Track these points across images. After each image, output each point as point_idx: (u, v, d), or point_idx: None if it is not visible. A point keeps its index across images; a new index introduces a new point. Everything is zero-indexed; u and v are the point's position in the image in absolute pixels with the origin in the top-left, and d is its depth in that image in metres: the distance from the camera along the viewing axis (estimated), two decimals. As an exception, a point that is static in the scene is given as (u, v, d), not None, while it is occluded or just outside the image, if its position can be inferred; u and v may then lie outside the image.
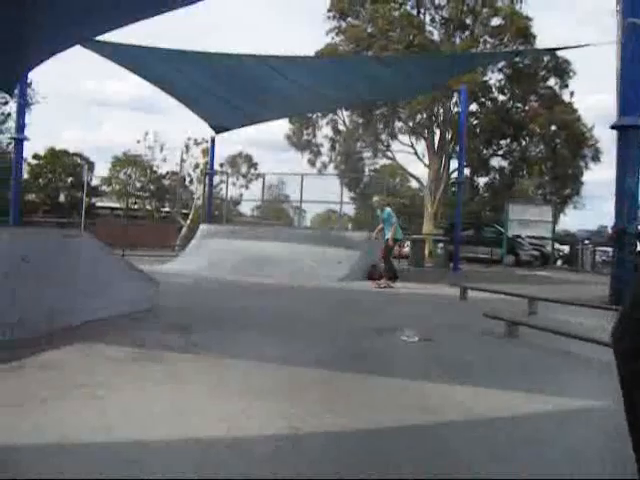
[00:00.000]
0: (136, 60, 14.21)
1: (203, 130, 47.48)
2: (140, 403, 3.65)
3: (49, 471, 2.66)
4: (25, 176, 38.75)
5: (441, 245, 24.58)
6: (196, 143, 47.27)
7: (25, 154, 22.03)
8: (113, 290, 6.61)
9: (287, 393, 4.11)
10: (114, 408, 3.51)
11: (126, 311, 6.67)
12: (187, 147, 48.13)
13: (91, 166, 46.24)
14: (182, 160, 48.24)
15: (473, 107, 34.92)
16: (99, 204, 50.28)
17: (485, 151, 37.64)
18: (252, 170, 53.29)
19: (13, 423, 3.19)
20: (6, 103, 42.96)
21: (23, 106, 18.41)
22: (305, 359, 5.12)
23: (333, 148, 41.05)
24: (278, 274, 13.72)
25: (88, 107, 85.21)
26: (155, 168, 49.52)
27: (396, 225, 13.62)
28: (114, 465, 2.76)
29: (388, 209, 14.00)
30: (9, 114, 43.16)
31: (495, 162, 38.94)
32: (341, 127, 40.48)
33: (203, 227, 18.16)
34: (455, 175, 29.93)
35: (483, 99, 35.56)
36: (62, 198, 47.58)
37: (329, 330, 6.90)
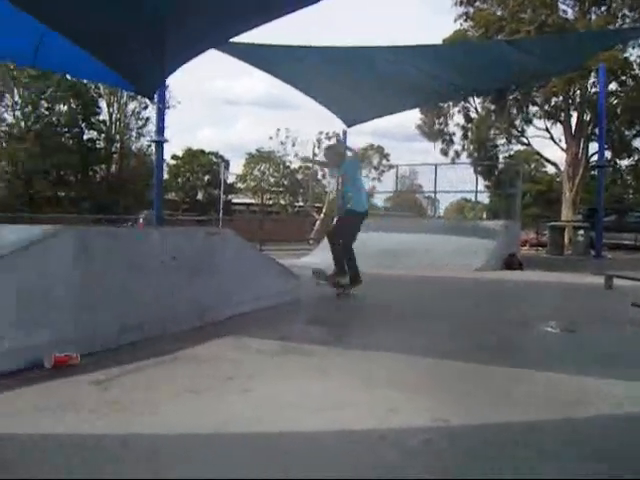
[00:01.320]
0: (266, 58, 14.48)
1: (334, 124, 47.97)
2: (289, 395, 3.73)
3: (209, 458, 2.78)
4: (165, 176, 40.39)
5: (581, 232, 23.68)
6: (327, 137, 47.79)
7: (165, 155, 22.90)
8: (256, 284, 6.80)
9: (433, 386, 4.11)
10: (265, 400, 3.62)
11: (269, 305, 6.85)
12: (319, 141, 48.73)
13: (226, 164, 47.62)
14: (314, 154, 48.86)
15: (612, 86, 33.28)
16: (235, 200, 51.76)
17: (627, 132, 35.92)
18: (384, 161, 53.22)
19: (171, 413, 3.35)
20: (146, 108, 45.01)
21: (162, 110, 19.09)
22: (448, 351, 5.09)
23: (465, 136, 40.39)
24: (414, 265, 13.68)
25: (219, 106, 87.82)
26: (288, 163, 50.46)
27: (359, 187, 9.29)
28: (269, 455, 2.85)
29: (351, 160, 9.78)
30: (148, 118, 45.21)
31: (639, 143, 37.13)
32: (473, 114, 39.79)
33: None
34: (595, 158, 28.78)
35: (624, 77, 33.88)
36: (200, 196, 49.30)
37: (469, 321, 6.82)
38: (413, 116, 49.39)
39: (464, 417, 3.38)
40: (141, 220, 33.34)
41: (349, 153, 10.12)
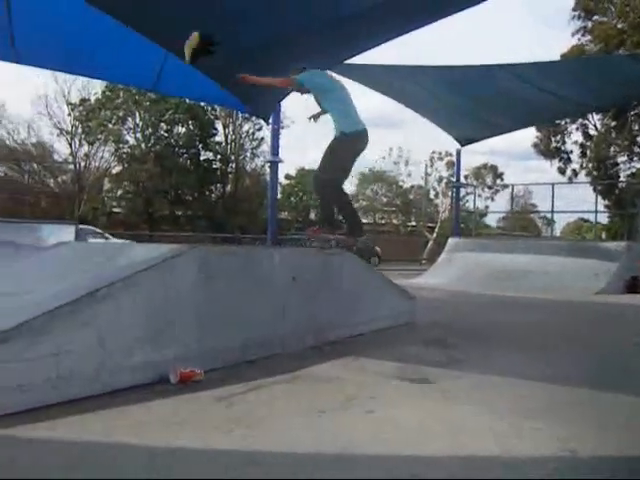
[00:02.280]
0: (379, 78, 14.55)
1: (448, 143, 47.59)
2: (410, 418, 3.71)
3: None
4: (278, 196, 41.08)
5: None
6: (440, 156, 47.47)
7: (278, 175, 23.26)
8: (372, 305, 6.81)
9: (557, 413, 3.97)
10: (386, 422, 3.60)
11: (385, 326, 6.85)
12: (431, 160, 48.45)
13: (339, 184, 47.88)
14: (427, 174, 48.62)
15: None
16: (347, 220, 51.93)
17: None
18: (498, 181, 52.35)
19: (295, 431, 3.39)
20: (260, 129, 45.94)
21: (277, 131, 19.44)
22: (570, 377, 4.93)
23: (584, 154, 39.21)
24: (529, 287, 13.34)
25: (329, 127, 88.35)
26: (400, 183, 50.34)
27: (340, 100, 6.93)
28: (394, 478, 2.84)
29: (310, 71, 7.12)
30: (262, 138, 46.12)
31: None
32: (592, 132, 38.62)
33: (451, 241, 18.12)
34: None
35: None
36: (313, 215, 49.76)
37: (592, 346, 6.59)
38: (529, 134, 48.38)
39: (592, 447, 3.26)
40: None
41: None
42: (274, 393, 4.21)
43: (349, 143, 6.71)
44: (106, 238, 26.27)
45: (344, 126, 6.67)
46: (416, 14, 8.51)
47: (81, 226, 30.93)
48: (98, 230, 28.89)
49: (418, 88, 14.74)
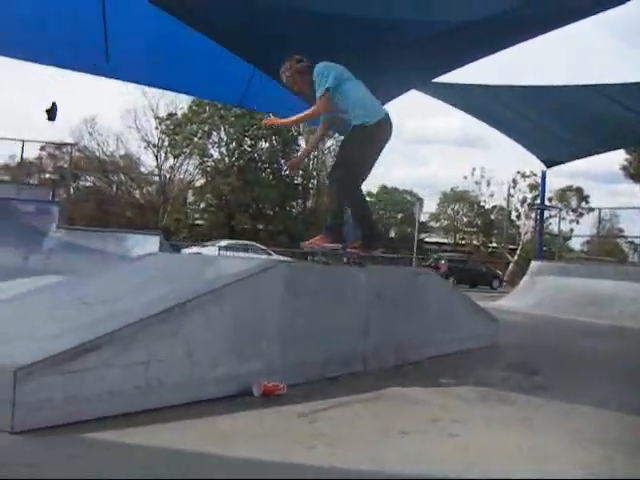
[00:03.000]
0: (463, 97, 14.44)
1: (532, 163, 46.76)
2: (494, 444, 3.64)
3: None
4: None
5: None
6: (524, 177, 46.74)
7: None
8: (456, 326, 6.73)
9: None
10: (471, 446, 3.54)
11: (468, 347, 6.75)
12: (514, 181, 47.74)
13: (421, 202, 47.77)
14: (509, 194, 47.91)
15: None
16: (428, 239, 51.64)
17: None
18: (583, 203, 51.14)
19: (378, 451, 3.37)
20: (342, 145, 46.16)
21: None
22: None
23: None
24: (616, 314, 12.92)
25: (413, 145, 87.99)
26: (482, 203, 49.75)
27: (357, 90, 5.95)
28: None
29: (321, 66, 5.92)
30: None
31: None
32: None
33: (534, 264, 17.74)
34: None
35: None
36: (392, 233, 49.65)
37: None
38: (616, 156, 47.17)
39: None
40: (442, 262, 33.86)
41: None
42: (356, 411, 4.20)
43: (364, 136, 5.77)
44: (269, 254, 26.79)
45: (357, 118, 5.78)
46: (510, 32, 8.44)
47: (231, 241, 31.60)
48: (261, 246, 29.38)
49: (503, 107, 14.57)
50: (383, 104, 12.87)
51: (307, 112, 5.98)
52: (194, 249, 27.45)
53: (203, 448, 3.24)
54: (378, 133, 5.86)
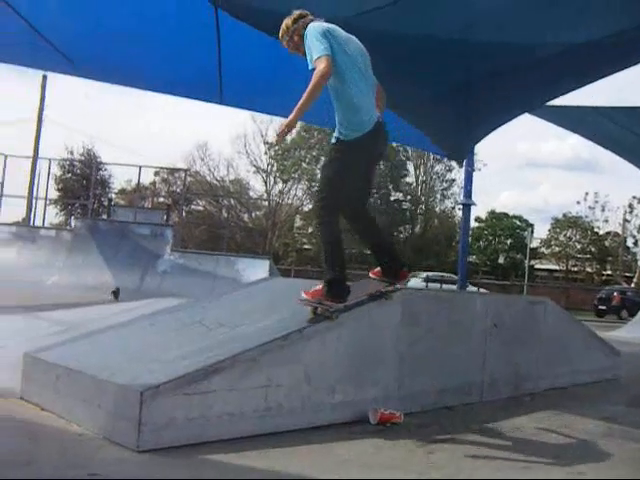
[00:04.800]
0: (578, 119, 14.06)
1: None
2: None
3: None
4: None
5: None
6: (640, 202, 45.06)
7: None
8: (575, 358, 6.49)
9: None
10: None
11: (587, 380, 6.49)
12: (631, 206, 46.05)
13: (531, 228, 46.68)
14: (625, 220, 46.21)
15: None
16: (538, 266, 50.30)
17: None
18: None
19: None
20: (450, 170, 45.81)
21: (470, 174, 19.22)
22: None
23: None
24: None
25: (522, 169, 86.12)
26: (595, 229, 48.14)
27: (354, 83, 4.57)
28: None
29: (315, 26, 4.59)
30: (453, 180, 45.94)
31: None
32: None
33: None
34: None
35: None
36: (501, 260, 48.63)
37: None
38: None
39: None
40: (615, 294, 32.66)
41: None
42: (474, 443, 4.10)
43: (356, 151, 4.54)
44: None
45: (345, 128, 4.55)
46: (628, 52, 8.18)
47: (429, 273, 31.59)
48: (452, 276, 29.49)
49: (620, 129, 14.09)
50: (493, 128, 12.80)
51: (305, 93, 4.35)
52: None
53: (320, 475, 3.24)
54: (367, 149, 4.59)
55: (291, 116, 4.36)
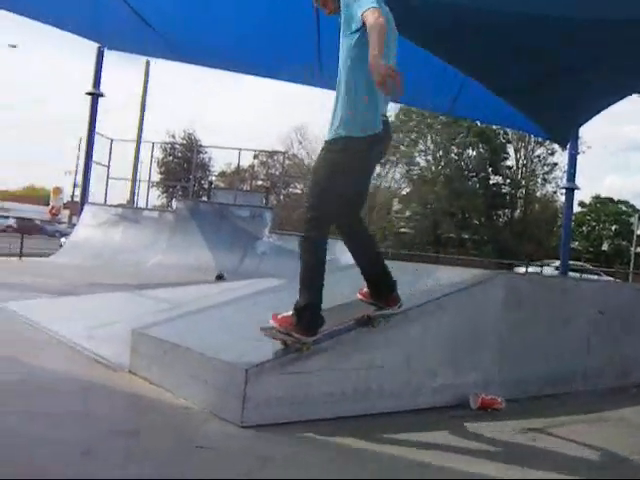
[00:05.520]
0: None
1: None
2: None
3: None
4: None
5: None
6: None
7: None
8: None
9: None
10: None
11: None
12: None
13: (638, 214, 44.95)
14: None
15: None
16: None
17: None
18: None
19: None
20: (552, 154, 44.61)
21: (574, 157, 18.76)
22: None
23: None
24: None
25: (628, 152, 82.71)
26: None
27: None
28: None
29: None
30: (555, 164, 44.73)
31: None
32: None
33: None
34: None
35: None
36: (605, 246, 47.18)
37: None
38: None
39: None
40: None
41: None
42: (579, 432, 3.99)
43: (352, 154, 3.72)
44: (598, 275, 26.78)
45: (351, 122, 3.68)
46: None
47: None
48: (590, 267, 29.24)
49: None
50: (599, 110, 12.39)
51: (376, 36, 3.45)
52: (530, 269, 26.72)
53: (420, 458, 3.23)
54: (376, 152, 3.91)
55: (380, 62, 3.37)
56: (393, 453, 3.25)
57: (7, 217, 48.56)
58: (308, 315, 3.63)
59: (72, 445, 2.91)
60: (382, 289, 3.99)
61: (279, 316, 3.67)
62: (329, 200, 3.71)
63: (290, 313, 3.65)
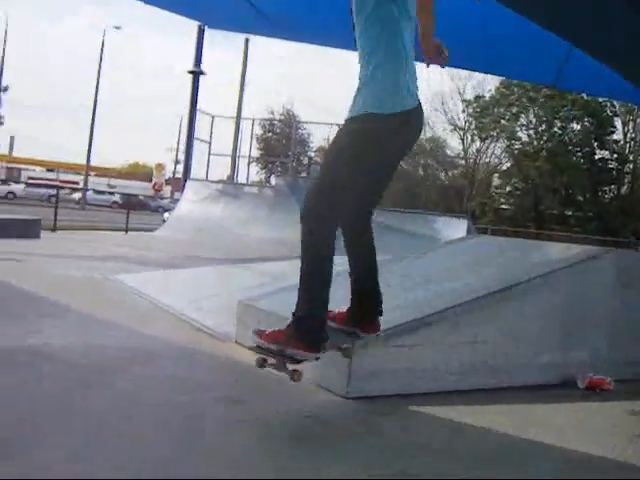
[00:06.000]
0: None
1: None
2: None
3: None
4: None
5: None
6: None
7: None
8: None
9: None
10: None
11: None
12: None
13: None
14: None
15: None
16: None
17: None
18: None
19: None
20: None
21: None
22: None
23: None
24: None
25: None
26: None
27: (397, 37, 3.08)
28: None
29: None
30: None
31: None
32: None
33: None
34: None
35: None
36: None
37: None
38: None
39: None
40: None
41: None
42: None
43: (376, 134, 3.09)
44: None
45: (373, 96, 3.09)
46: None
47: None
48: None
49: None
50: None
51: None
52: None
53: (525, 435, 3.18)
54: (407, 134, 3.27)
55: (431, 41, 3.21)
56: (498, 430, 3.21)
57: (113, 193, 50.46)
58: (310, 327, 3.05)
59: (184, 408, 3.05)
60: (367, 309, 3.40)
61: (267, 331, 3.14)
62: (334, 188, 3.08)
63: (277, 328, 3.12)
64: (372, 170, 3.21)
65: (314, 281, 3.13)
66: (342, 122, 3.23)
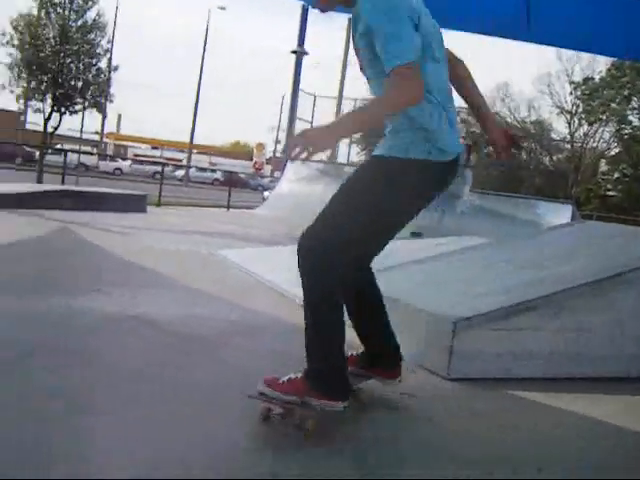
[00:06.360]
0: None
1: None
2: None
3: None
4: None
5: None
6: None
7: None
8: None
9: None
10: None
11: None
12: None
13: None
14: None
15: None
16: None
17: None
18: None
19: None
20: None
21: None
22: None
23: None
24: None
25: None
26: None
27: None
28: None
29: None
30: None
31: None
32: None
33: None
34: None
35: None
36: None
37: None
38: None
39: None
40: None
41: None
42: None
43: (404, 181, 2.65)
44: None
45: (413, 140, 2.66)
46: None
47: None
48: None
49: None
50: None
51: (365, 112, 2.81)
52: None
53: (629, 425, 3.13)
54: (436, 185, 2.80)
55: (326, 133, 2.55)
56: (601, 420, 3.15)
57: (214, 171, 51.49)
58: (329, 378, 2.62)
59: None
60: (384, 357, 3.02)
61: (279, 380, 2.67)
62: (346, 231, 2.65)
63: (295, 376, 2.67)
64: (399, 218, 2.85)
65: (322, 336, 2.69)
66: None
